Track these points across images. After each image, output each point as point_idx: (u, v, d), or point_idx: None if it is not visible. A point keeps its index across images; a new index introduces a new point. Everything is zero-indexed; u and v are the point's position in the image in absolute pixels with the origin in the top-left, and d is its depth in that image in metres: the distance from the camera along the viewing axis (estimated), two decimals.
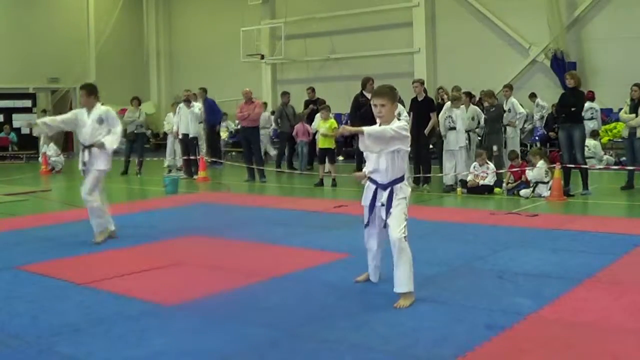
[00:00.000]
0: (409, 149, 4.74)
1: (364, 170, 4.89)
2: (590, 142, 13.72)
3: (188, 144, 14.40)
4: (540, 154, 10.84)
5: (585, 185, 10.26)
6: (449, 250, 6.25)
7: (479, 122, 11.74)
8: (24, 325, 4.23)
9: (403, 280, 4.52)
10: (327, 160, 12.45)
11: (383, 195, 4.67)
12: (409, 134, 4.66)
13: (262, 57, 21.74)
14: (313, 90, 16.57)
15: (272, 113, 19.41)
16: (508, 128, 12.15)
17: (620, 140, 13.24)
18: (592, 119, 15.16)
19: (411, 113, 11.57)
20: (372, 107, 4.76)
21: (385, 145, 4.56)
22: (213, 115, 16.01)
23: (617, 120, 13.84)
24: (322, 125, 12.90)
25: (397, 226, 4.55)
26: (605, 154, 14.67)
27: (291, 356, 3.65)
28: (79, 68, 23.59)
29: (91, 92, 7.10)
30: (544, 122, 16.50)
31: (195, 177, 14.01)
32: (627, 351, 3.61)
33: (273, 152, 17.57)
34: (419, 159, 11.60)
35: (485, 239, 6.81)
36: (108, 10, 24.60)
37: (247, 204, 10.12)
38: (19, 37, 22.03)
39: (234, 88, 18.69)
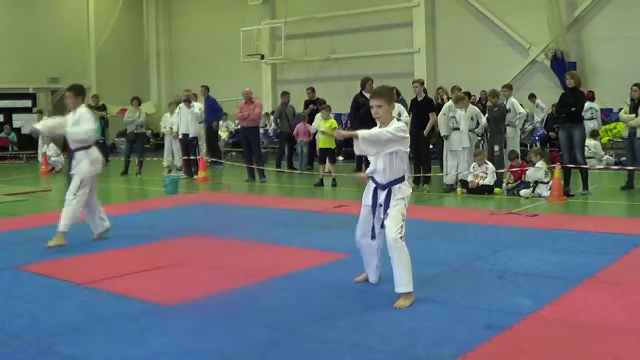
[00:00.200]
0: (408, 149, 4.74)
1: (367, 170, 4.90)
2: (590, 142, 13.72)
3: (188, 144, 14.40)
4: (541, 153, 10.84)
5: (585, 185, 10.26)
6: (449, 250, 6.25)
7: (477, 122, 11.73)
8: (24, 325, 4.23)
9: (402, 281, 4.51)
10: (327, 160, 12.45)
11: (382, 196, 4.67)
12: (406, 135, 4.65)
13: (262, 57, 21.74)
14: (313, 90, 16.57)
15: (267, 114, 19.43)
16: (508, 128, 12.15)
17: (620, 140, 13.24)
18: (592, 119, 15.17)
19: (411, 113, 11.57)
20: (370, 108, 4.77)
21: (382, 147, 4.57)
22: (213, 113, 16.01)
23: (617, 120, 13.84)
24: (322, 125, 12.90)
25: (393, 226, 4.55)
26: (605, 154, 14.68)
27: (291, 356, 3.65)
28: (79, 68, 23.59)
29: (79, 93, 7.01)
30: (544, 122, 16.51)
31: (195, 177, 14.01)
32: (627, 351, 3.61)
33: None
34: (419, 159, 11.60)
35: (485, 239, 6.81)
36: (108, 10, 24.60)
37: (247, 204, 10.12)
38: (19, 37, 22.03)
39: (234, 88, 18.68)
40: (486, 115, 11.77)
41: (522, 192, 10.18)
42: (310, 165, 15.34)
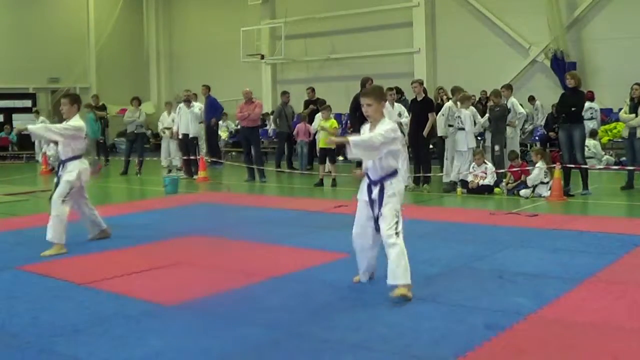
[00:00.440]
0: (400, 146, 4.81)
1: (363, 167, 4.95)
2: (590, 142, 13.73)
3: (188, 144, 14.39)
4: (541, 153, 10.85)
5: (585, 185, 10.26)
6: (449, 250, 6.25)
7: (474, 122, 11.71)
8: (24, 325, 4.23)
9: (397, 273, 4.55)
10: (327, 160, 12.45)
11: (374, 191, 4.75)
12: (397, 135, 4.72)
13: (262, 57, 21.74)
14: (313, 90, 16.56)
15: (268, 114, 19.42)
16: (508, 128, 12.13)
17: (620, 140, 13.24)
18: (591, 118, 15.17)
19: (411, 113, 11.57)
20: (361, 107, 4.88)
21: (377, 151, 4.64)
22: (214, 111, 16.00)
23: (617, 120, 13.84)
24: (322, 123, 12.87)
25: (387, 224, 4.63)
26: (605, 153, 14.68)
27: (291, 356, 3.65)
28: (79, 68, 23.60)
29: (74, 102, 6.89)
30: (545, 122, 16.51)
31: (195, 177, 14.01)
32: (627, 351, 3.61)
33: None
34: (418, 159, 11.60)
35: (485, 239, 6.81)
36: (108, 10, 24.60)
37: (247, 204, 10.12)
38: (19, 37, 22.04)
39: (234, 88, 18.68)
40: (487, 115, 11.77)
41: (522, 192, 10.18)
42: (310, 165, 15.34)
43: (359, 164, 13.75)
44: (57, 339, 3.95)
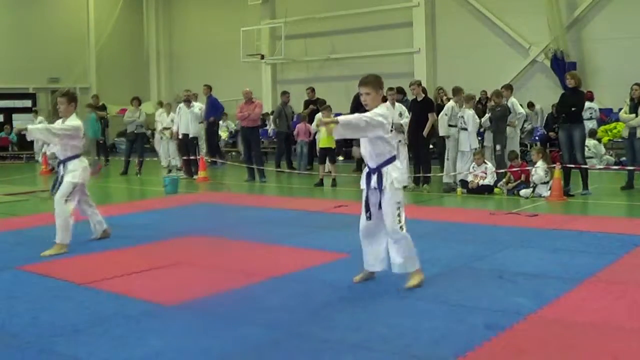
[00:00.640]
0: (388, 134, 4.83)
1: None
2: (590, 142, 13.73)
3: (188, 144, 14.39)
4: (542, 152, 10.85)
5: (585, 185, 10.26)
6: (449, 250, 6.25)
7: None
8: (24, 325, 4.23)
9: (407, 264, 4.77)
10: (327, 160, 12.45)
11: (374, 179, 4.84)
12: (385, 121, 4.76)
13: (262, 57, 21.74)
14: (313, 90, 16.57)
15: (268, 114, 19.42)
16: (507, 128, 12.15)
17: (620, 140, 13.24)
18: (590, 118, 15.18)
19: (411, 113, 11.57)
20: (359, 96, 5.00)
21: (363, 132, 4.73)
22: (214, 111, 16.00)
23: (617, 120, 13.84)
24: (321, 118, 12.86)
25: (391, 219, 4.75)
26: (605, 153, 14.68)
27: (291, 356, 3.65)
28: (79, 68, 23.60)
29: (71, 100, 6.81)
30: (545, 122, 16.52)
31: (195, 177, 14.01)
32: (627, 351, 3.61)
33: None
34: (418, 159, 11.60)
35: (485, 239, 6.81)
36: (108, 10, 24.60)
37: (247, 204, 10.12)
38: (19, 37, 22.04)
39: (234, 88, 18.68)
40: (488, 114, 11.77)
41: (522, 192, 10.18)
42: (310, 165, 15.34)
43: (358, 166, 13.88)
44: (57, 339, 3.95)
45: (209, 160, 15.14)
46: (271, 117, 18.29)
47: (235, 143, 19.46)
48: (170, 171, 15.06)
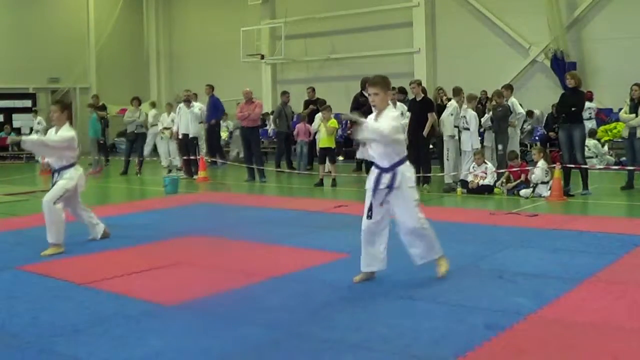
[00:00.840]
0: (403, 135, 5.03)
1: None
2: (590, 142, 13.73)
3: (188, 144, 14.39)
4: (543, 151, 10.86)
5: (585, 185, 10.26)
6: (449, 250, 6.19)
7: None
8: (24, 325, 4.23)
9: (431, 251, 4.98)
10: (327, 160, 12.45)
11: (386, 178, 4.88)
12: (399, 123, 4.94)
13: (262, 57, 21.73)
14: (313, 90, 16.57)
15: (268, 114, 19.42)
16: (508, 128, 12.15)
17: (620, 140, 13.24)
18: (590, 118, 15.17)
19: (410, 113, 11.57)
20: (368, 97, 5.06)
21: (384, 139, 4.81)
22: (215, 111, 16.00)
23: (617, 120, 13.84)
24: (323, 125, 12.86)
25: (410, 217, 4.89)
26: (606, 153, 14.67)
27: (291, 356, 3.65)
28: (79, 68, 23.59)
29: (64, 108, 6.80)
30: (545, 122, 16.52)
31: (195, 177, 14.01)
32: (627, 351, 3.61)
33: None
34: (418, 159, 11.58)
35: (485, 239, 6.81)
36: (108, 10, 24.59)
37: (247, 204, 10.12)
38: (19, 37, 22.03)
39: (234, 88, 18.67)
40: (488, 115, 11.78)
41: (522, 192, 10.18)
42: (310, 165, 15.34)
43: (358, 166, 13.88)
44: (57, 339, 3.95)
45: (209, 160, 15.14)
46: (271, 117, 18.28)
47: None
48: (170, 171, 15.05)
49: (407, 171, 4.94)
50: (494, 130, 11.50)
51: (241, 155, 16.53)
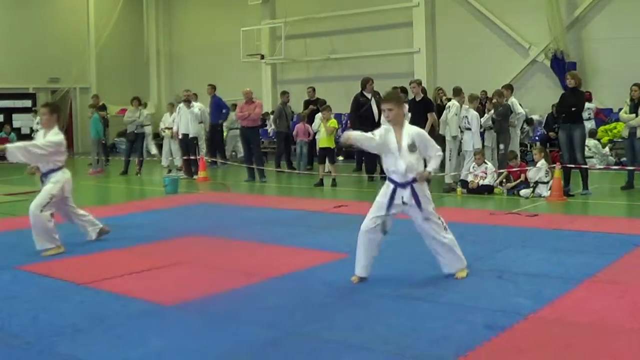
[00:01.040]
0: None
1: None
2: (590, 142, 13.73)
3: (188, 144, 14.39)
4: (544, 151, 10.86)
5: (585, 185, 10.26)
6: None
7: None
8: (24, 325, 4.23)
9: (457, 260, 5.12)
10: (327, 160, 12.44)
11: (404, 194, 5.00)
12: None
13: (262, 57, 21.73)
14: (313, 90, 16.57)
15: (268, 114, 19.41)
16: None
17: (620, 140, 13.24)
18: (589, 119, 15.17)
19: (410, 113, 11.56)
20: (382, 112, 5.18)
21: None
22: (218, 111, 15.98)
23: (617, 120, 13.84)
24: (323, 124, 12.86)
25: (437, 227, 5.07)
26: (606, 153, 14.67)
27: (291, 356, 3.65)
28: (79, 68, 23.58)
29: (53, 111, 6.61)
30: (545, 122, 16.51)
31: (195, 177, 14.01)
32: (627, 351, 3.61)
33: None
34: None
35: (485, 239, 6.82)
36: (108, 10, 24.58)
37: (247, 204, 10.12)
38: (19, 37, 22.02)
39: (234, 88, 18.66)
40: (488, 114, 11.77)
41: (522, 192, 10.18)
42: (310, 165, 15.34)
43: (358, 166, 13.85)
44: (57, 339, 3.95)
45: (209, 160, 15.14)
46: (271, 117, 18.28)
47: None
48: (170, 171, 15.06)
49: (423, 187, 5.12)
50: (496, 130, 11.49)
51: (240, 155, 16.61)
